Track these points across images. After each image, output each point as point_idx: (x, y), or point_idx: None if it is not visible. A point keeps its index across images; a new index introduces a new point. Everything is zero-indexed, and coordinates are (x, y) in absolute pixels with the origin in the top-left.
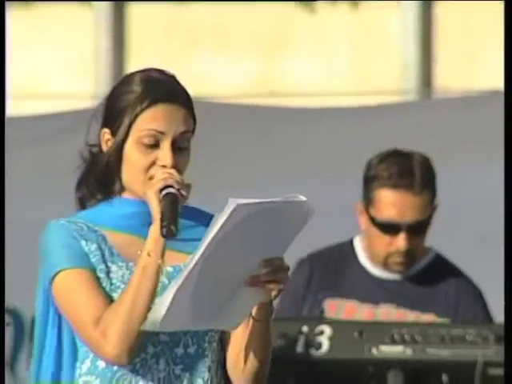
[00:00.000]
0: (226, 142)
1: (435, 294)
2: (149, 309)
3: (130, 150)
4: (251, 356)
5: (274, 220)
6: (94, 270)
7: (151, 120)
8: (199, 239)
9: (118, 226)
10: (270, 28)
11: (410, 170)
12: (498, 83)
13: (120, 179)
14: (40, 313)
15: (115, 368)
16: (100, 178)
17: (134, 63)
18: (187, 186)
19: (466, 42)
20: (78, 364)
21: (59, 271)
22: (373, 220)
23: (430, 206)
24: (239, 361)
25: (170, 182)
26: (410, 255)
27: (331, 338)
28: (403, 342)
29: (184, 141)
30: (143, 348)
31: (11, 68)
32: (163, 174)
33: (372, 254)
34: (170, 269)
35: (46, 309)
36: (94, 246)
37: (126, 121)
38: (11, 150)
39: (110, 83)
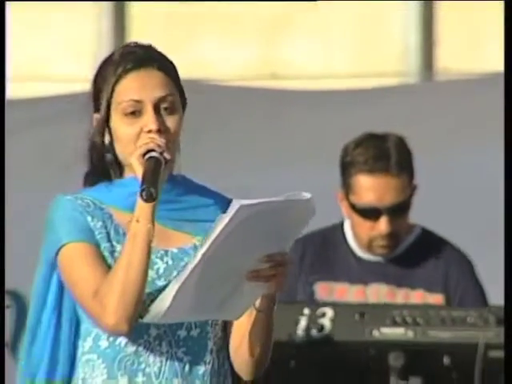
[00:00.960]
0: (231, 125)
1: (424, 269)
2: (144, 276)
3: (116, 124)
4: (253, 343)
5: (277, 218)
6: (98, 246)
7: (126, 90)
8: (207, 220)
9: (123, 205)
10: (271, 11)
11: (385, 154)
12: (500, 65)
13: (117, 160)
14: (38, 287)
15: (118, 348)
16: (97, 169)
17: None
18: (170, 148)
19: (468, 24)
20: (80, 342)
21: (64, 244)
22: (353, 206)
23: (409, 187)
24: (242, 346)
25: (151, 146)
26: (393, 237)
27: (333, 320)
28: (404, 324)
29: (168, 104)
30: (146, 330)
31: (13, 51)
32: (144, 140)
33: (357, 239)
34: (175, 250)
35: (45, 284)
36: (99, 224)
37: (105, 96)
38: (12, 132)
39: None
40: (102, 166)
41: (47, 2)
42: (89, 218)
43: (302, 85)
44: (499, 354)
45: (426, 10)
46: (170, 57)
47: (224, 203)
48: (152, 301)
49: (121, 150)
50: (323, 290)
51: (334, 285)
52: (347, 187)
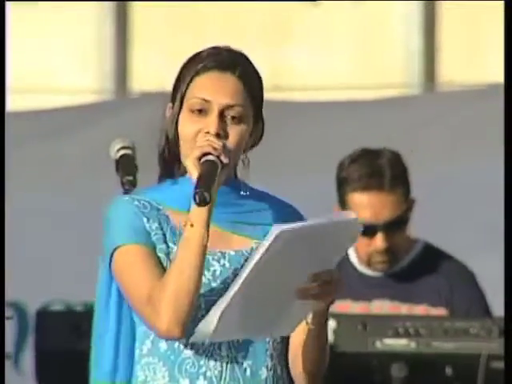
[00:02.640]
0: None
1: (427, 284)
2: (197, 281)
3: (183, 120)
4: (307, 357)
5: (321, 240)
6: (153, 248)
7: (199, 88)
8: (265, 224)
9: (181, 206)
10: (274, 22)
11: (379, 170)
12: (501, 76)
13: (179, 155)
14: (100, 293)
15: (177, 351)
16: (164, 158)
17: (138, 56)
18: (228, 153)
19: (470, 35)
20: (137, 344)
21: (119, 246)
22: None
23: (405, 202)
24: (297, 358)
25: (206, 149)
26: (390, 253)
27: (335, 331)
28: (407, 335)
29: (235, 113)
30: None
31: (13, 62)
32: (202, 141)
33: (357, 255)
34: (232, 252)
35: (107, 288)
36: (155, 225)
37: (181, 89)
38: (13, 145)
39: (113, 77)
40: (165, 161)
41: (48, 1)
42: (145, 220)
43: (303, 96)
44: (502, 365)
45: (428, 21)
46: (175, 65)
47: (282, 208)
48: (200, 318)
49: (183, 148)
50: None
51: (337, 302)
52: (343, 204)
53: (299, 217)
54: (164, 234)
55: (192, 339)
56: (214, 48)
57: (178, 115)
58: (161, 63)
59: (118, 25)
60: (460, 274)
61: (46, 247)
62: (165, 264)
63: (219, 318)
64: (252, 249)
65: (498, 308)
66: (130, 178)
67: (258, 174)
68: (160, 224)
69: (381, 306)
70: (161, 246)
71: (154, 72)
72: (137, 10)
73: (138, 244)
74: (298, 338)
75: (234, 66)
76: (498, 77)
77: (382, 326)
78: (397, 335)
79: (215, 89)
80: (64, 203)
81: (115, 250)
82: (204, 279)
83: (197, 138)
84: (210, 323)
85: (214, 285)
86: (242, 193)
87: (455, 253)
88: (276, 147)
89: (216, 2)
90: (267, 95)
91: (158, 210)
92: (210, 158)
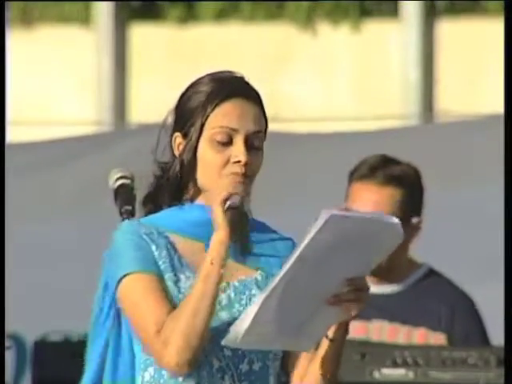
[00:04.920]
0: None
1: (427, 308)
2: (210, 318)
3: (204, 149)
4: (323, 372)
5: (363, 238)
6: (161, 277)
7: (223, 117)
8: (269, 255)
9: (189, 233)
10: (271, 50)
11: (387, 168)
12: (501, 107)
13: (195, 183)
14: (98, 316)
15: (180, 379)
16: (172, 187)
17: (136, 88)
18: (251, 181)
19: (468, 66)
20: (140, 372)
21: (127, 274)
22: None
23: (405, 205)
24: (307, 377)
25: (232, 192)
26: (388, 269)
27: None
28: (405, 364)
29: (258, 140)
30: (209, 362)
31: (12, 94)
32: (230, 170)
33: None
34: (236, 283)
35: (106, 313)
36: (164, 253)
37: (199, 120)
38: (12, 177)
39: (111, 109)
40: (176, 189)
41: (45, 30)
42: (153, 247)
43: (301, 127)
44: None
45: (426, 52)
46: (173, 96)
47: (283, 240)
48: (228, 325)
49: (204, 176)
50: None
51: None
52: (347, 197)
53: None
54: (172, 263)
55: (223, 342)
56: (217, 73)
57: (197, 143)
58: (159, 94)
59: (115, 56)
60: (461, 302)
61: (44, 277)
62: (172, 293)
63: (253, 318)
64: (256, 279)
65: (497, 338)
66: (129, 207)
67: (257, 205)
68: (168, 251)
69: (380, 327)
70: (169, 274)
71: (152, 103)
72: (135, 42)
73: (146, 272)
74: (305, 359)
75: (249, 92)
76: (496, 107)
77: (379, 356)
78: (395, 365)
79: (241, 116)
80: (63, 234)
81: (123, 276)
82: None
83: (225, 167)
84: (243, 323)
85: (220, 314)
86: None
87: (453, 278)
88: (274, 178)
89: (213, 32)
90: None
91: (165, 237)
92: (234, 202)
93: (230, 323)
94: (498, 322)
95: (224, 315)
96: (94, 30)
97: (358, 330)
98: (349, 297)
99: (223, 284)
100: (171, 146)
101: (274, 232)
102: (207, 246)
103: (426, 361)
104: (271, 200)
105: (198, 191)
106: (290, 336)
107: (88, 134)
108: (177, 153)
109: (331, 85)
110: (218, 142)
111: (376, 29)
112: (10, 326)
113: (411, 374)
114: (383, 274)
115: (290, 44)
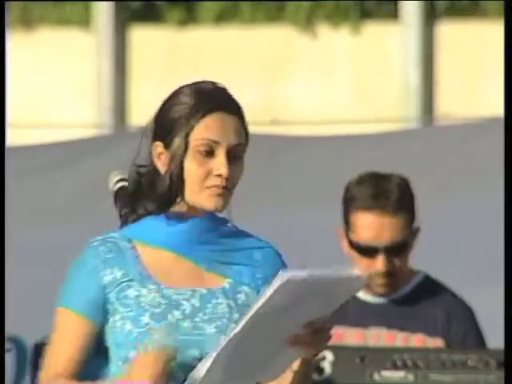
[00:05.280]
0: None
1: (424, 315)
2: None
3: (190, 161)
4: None
5: (322, 292)
6: (94, 322)
7: (205, 130)
8: (239, 264)
9: (162, 243)
10: (271, 53)
11: (385, 192)
12: (501, 110)
13: (182, 196)
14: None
15: None
16: (161, 199)
17: (136, 90)
18: (231, 192)
19: (468, 68)
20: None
21: (64, 307)
22: (351, 244)
23: (409, 228)
24: None
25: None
26: (391, 276)
27: (333, 364)
28: (405, 367)
29: (238, 152)
30: (176, 376)
31: (13, 97)
32: (211, 183)
33: None
34: (203, 290)
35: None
36: (120, 273)
37: (183, 132)
38: (12, 179)
39: (112, 112)
40: (164, 202)
41: (47, 29)
42: (108, 271)
43: (301, 130)
44: None
45: (426, 55)
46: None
47: (262, 247)
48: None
49: (189, 188)
50: None
51: (333, 328)
52: (347, 224)
53: (278, 256)
54: (131, 279)
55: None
56: (199, 83)
57: (184, 155)
58: (159, 97)
59: (115, 59)
60: (456, 305)
61: (45, 280)
62: (133, 308)
63: (208, 368)
64: (223, 288)
65: (496, 342)
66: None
67: (257, 208)
68: (126, 269)
69: (378, 334)
70: (126, 294)
71: (152, 106)
72: (135, 44)
73: (77, 314)
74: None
75: (232, 104)
76: (496, 109)
77: (379, 359)
78: (395, 368)
79: (222, 129)
80: (63, 236)
81: (60, 306)
82: (173, 318)
83: (206, 180)
84: (200, 369)
85: (182, 324)
86: (225, 228)
87: (453, 286)
88: (274, 181)
89: (213, 35)
90: (265, 129)
91: (131, 248)
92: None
93: (191, 334)
94: (498, 324)
95: (186, 325)
96: (93, 33)
97: (355, 337)
98: (307, 339)
99: (188, 292)
100: (150, 153)
101: (255, 238)
102: (178, 255)
103: (425, 363)
104: (271, 203)
105: (185, 203)
106: (249, 376)
107: (88, 136)
108: (157, 162)
109: (331, 87)
110: (201, 154)
111: (376, 30)
112: (9, 329)
113: (411, 377)
114: (392, 285)
115: (289, 46)
